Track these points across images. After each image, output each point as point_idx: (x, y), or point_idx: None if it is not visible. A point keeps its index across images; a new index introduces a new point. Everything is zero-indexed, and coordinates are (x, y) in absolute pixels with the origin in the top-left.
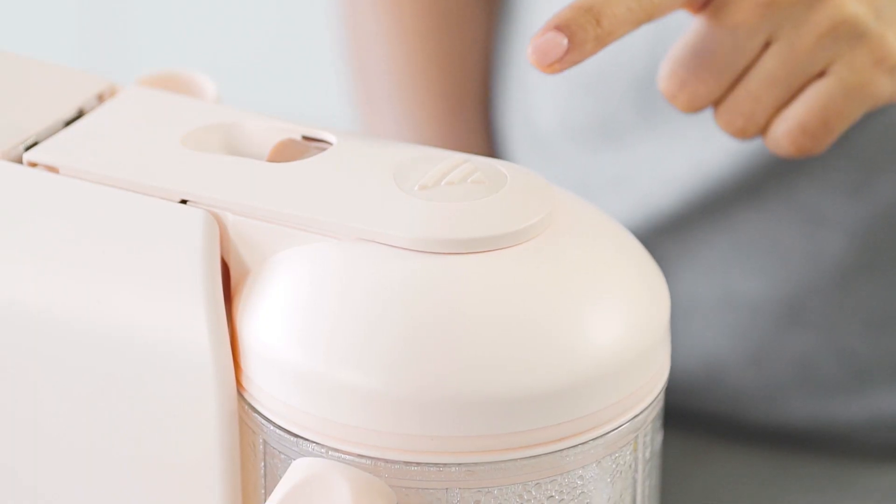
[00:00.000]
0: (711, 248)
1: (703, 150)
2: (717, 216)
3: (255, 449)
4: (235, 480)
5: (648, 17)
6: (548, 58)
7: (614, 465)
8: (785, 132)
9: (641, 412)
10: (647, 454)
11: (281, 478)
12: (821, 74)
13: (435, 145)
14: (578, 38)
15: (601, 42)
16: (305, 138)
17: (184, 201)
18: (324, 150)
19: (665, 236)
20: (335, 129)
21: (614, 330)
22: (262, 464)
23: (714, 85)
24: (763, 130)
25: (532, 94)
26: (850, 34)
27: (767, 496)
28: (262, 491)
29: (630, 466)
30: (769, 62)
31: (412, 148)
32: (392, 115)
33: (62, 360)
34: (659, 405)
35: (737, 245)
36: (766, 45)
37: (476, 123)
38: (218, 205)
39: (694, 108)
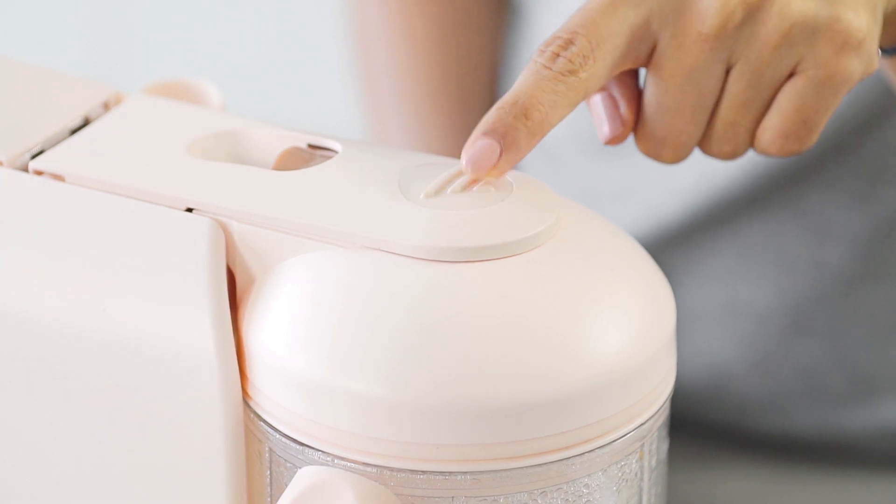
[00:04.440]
0: (717, 258)
1: (709, 161)
2: (723, 226)
3: (260, 457)
4: (241, 489)
5: (583, 95)
6: (485, 166)
7: (620, 474)
8: (769, 141)
9: (647, 420)
10: (653, 462)
11: (286, 486)
12: (791, 75)
13: (443, 153)
14: (510, 139)
15: (535, 134)
16: (311, 146)
17: (189, 209)
18: (329, 158)
19: (671, 246)
20: (340, 137)
21: (620, 338)
22: (268, 472)
23: (693, 130)
24: (751, 143)
25: None
26: (804, 34)
27: None
28: (268, 499)
29: (636, 475)
30: (735, 87)
31: (417, 156)
32: (400, 123)
33: (68, 368)
34: (665, 413)
35: (742, 254)
36: (727, 71)
37: None
38: (223, 213)
39: (681, 158)
